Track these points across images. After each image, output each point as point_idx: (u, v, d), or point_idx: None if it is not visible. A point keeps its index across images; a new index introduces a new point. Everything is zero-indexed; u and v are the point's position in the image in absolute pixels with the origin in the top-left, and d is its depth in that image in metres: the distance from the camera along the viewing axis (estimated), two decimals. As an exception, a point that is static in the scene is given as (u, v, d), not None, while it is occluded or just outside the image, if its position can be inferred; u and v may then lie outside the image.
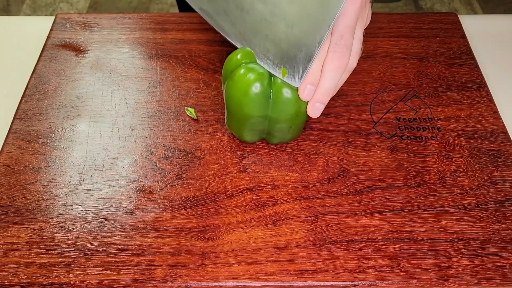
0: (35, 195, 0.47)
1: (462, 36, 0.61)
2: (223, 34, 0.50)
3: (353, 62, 0.44)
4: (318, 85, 0.43)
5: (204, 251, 0.43)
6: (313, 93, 0.44)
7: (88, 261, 0.42)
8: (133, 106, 0.54)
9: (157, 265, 0.42)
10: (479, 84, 0.56)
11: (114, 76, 0.57)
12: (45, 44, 0.60)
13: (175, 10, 0.84)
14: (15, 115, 0.53)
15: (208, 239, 0.44)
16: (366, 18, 0.46)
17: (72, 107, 0.54)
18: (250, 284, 0.41)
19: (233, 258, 0.43)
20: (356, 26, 0.44)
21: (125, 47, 0.60)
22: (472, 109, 0.54)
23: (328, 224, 0.45)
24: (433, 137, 0.51)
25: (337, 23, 0.43)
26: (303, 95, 0.43)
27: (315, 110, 0.45)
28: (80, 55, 0.59)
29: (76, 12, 1.65)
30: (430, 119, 0.53)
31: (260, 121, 0.46)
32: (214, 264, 0.42)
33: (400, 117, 0.53)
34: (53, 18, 0.64)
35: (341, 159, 0.49)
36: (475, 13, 1.74)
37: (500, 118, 0.53)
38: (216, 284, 0.41)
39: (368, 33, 0.46)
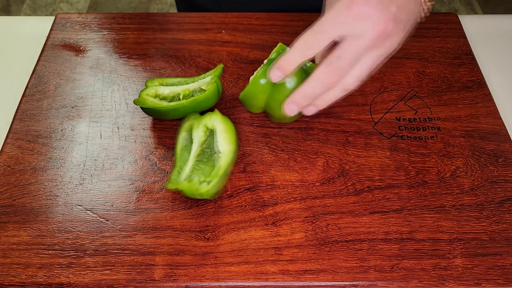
0: (35, 195, 0.47)
1: (462, 36, 0.61)
2: None
3: (349, 84, 0.43)
4: (300, 87, 0.44)
5: (204, 251, 0.43)
6: (281, 79, 0.45)
7: (88, 261, 0.42)
8: (133, 106, 0.54)
9: (157, 265, 0.42)
10: (479, 84, 0.56)
11: (114, 76, 0.57)
12: (45, 44, 0.60)
13: (175, 10, 0.84)
14: (15, 115, 0.53)
15: (208, 239, 0.44)
16: (388, 48, 0.42)
17: (72, 107, 0.54)
18: (250, 284, 0.41)
19: (233, 258, 0.43)
20: (364, 54, 0.41)
21: (125, 47, 0.60)
22: (472, 109, 0.54)
23: (328, 224, 0.45)
24: (433, 137, 0.51)
25: (345, 42, 0.40)
26: (272, 77, 0.45)
27: (289, 109, 0.46)
28: (80, 55, 0.59)
29: (76, 12, 1.65)
30: (430, 119, 0.53)
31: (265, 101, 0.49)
32: (214, 264, 0.42)
33: (400, 117, 0.53)
34: (53, 18, 0.64)
35: (341, 159, 0.49)
36: (475, 13, 1.74)
37: (500, 118, 0.53)
38: (216, 284, 0.41)
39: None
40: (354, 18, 0.39)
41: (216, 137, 0.47)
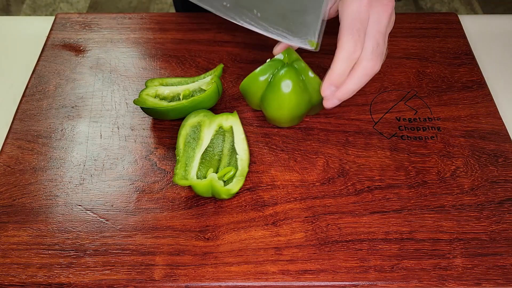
0: (35, 195, 0.47)
1: (462, 36, 0.61)
2: (221, 15, 0.50)
3: (380, 67, 0.45)
4: (344, 85, 0.44)
5: (204, 251, 0.43)
6: (335, 92, 0.45)
7: (88, 261, 0.42)
8: (133, 106, 0.54)
9: (157, 265, 0.42)
10: (479, 84, 0.56)
11: (114, 76, 0.57)
12: (45, 44, 0.60)
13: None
14: (15, 115, 0.53)
15: (208, 239, 0.44)
16: (392, 23, 0.47)
17: (72, 107, 0.54)
18: (250, 284, 0.41)
19: (233, 258, 0.43)
20: (386, 32, 0.45)
21: (125, 47, 0.60)
22: (472, 109, 0.54)
23: (328, 224, 0.45)
24: (433, 137, 0.51)
25: (370, 29, 0.44)
26: (326, 93, 0.45)
27: (332, 104, 0.46)
28: (80, 55, 0.59)
29: (76, 12, 1.65)
30: (430, 119, 0.53)
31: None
32: (214, 264, 0.42)
33: (400, 117, 0.53)
34: (53, 18, 0.64)
35: (341, 159, 0.49)
36: (475, 13, 1.74)
37: (500, 118, 0.53)
38: (216, 284, 0.41)
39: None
40: (370, 7, 0.44)
41: (234, 138, 0.48)
